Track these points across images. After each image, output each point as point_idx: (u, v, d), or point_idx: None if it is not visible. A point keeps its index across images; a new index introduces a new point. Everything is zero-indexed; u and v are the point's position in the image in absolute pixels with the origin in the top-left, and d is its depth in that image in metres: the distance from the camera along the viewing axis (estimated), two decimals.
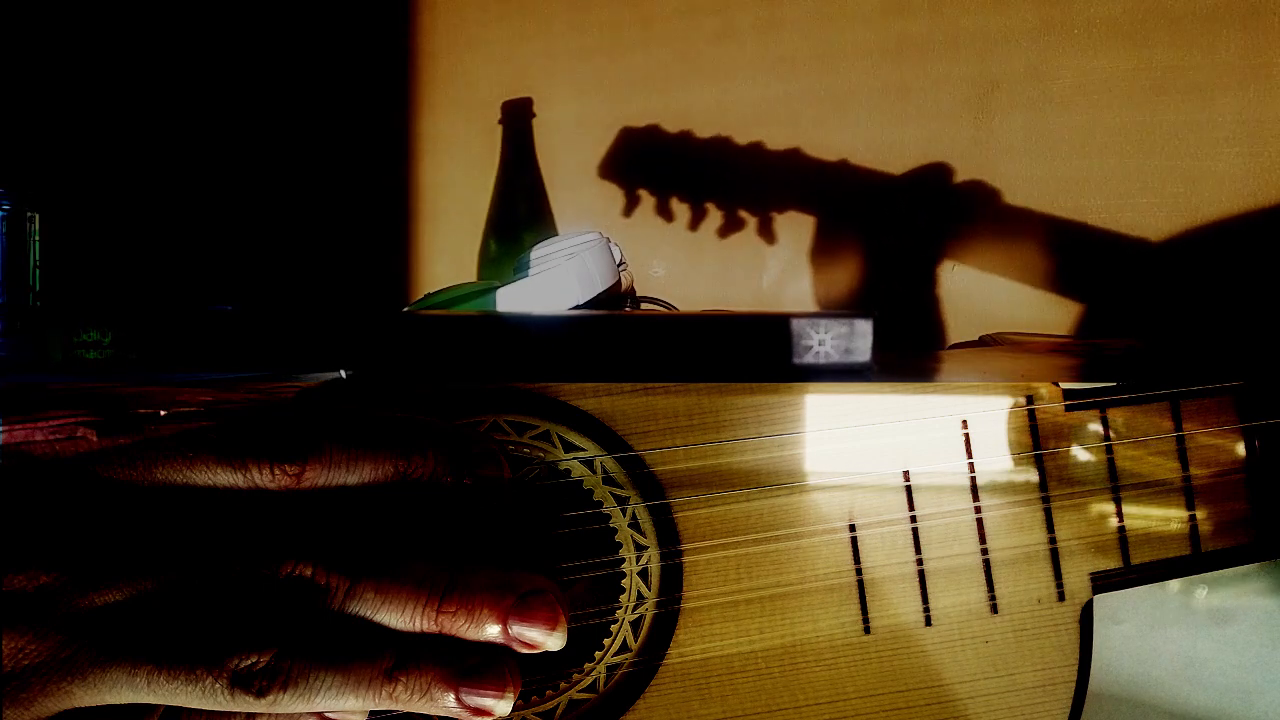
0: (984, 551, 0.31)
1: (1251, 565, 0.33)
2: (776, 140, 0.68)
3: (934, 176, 0.63)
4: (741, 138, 0.69)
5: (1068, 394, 0.31)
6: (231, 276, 0.88)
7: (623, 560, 0.31)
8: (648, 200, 0.71)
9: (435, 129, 0.83)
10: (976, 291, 0.62)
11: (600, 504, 0.31)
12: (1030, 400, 0.31)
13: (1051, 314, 0.60)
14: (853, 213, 0.66)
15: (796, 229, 0.67)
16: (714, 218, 0.69)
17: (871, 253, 0.66)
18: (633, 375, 0.31)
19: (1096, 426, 0.31)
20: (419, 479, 0.26)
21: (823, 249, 0.67)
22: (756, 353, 0.31)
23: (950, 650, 0.31)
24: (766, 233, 0.67)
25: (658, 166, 0.72)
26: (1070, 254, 0.60)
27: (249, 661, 0.23)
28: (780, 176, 0.67)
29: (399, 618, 0.24)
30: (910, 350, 0.63)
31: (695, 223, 0.69)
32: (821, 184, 0.66)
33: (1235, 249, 0.55)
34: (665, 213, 0.70)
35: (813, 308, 0.68)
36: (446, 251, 0.82)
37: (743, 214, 0.68)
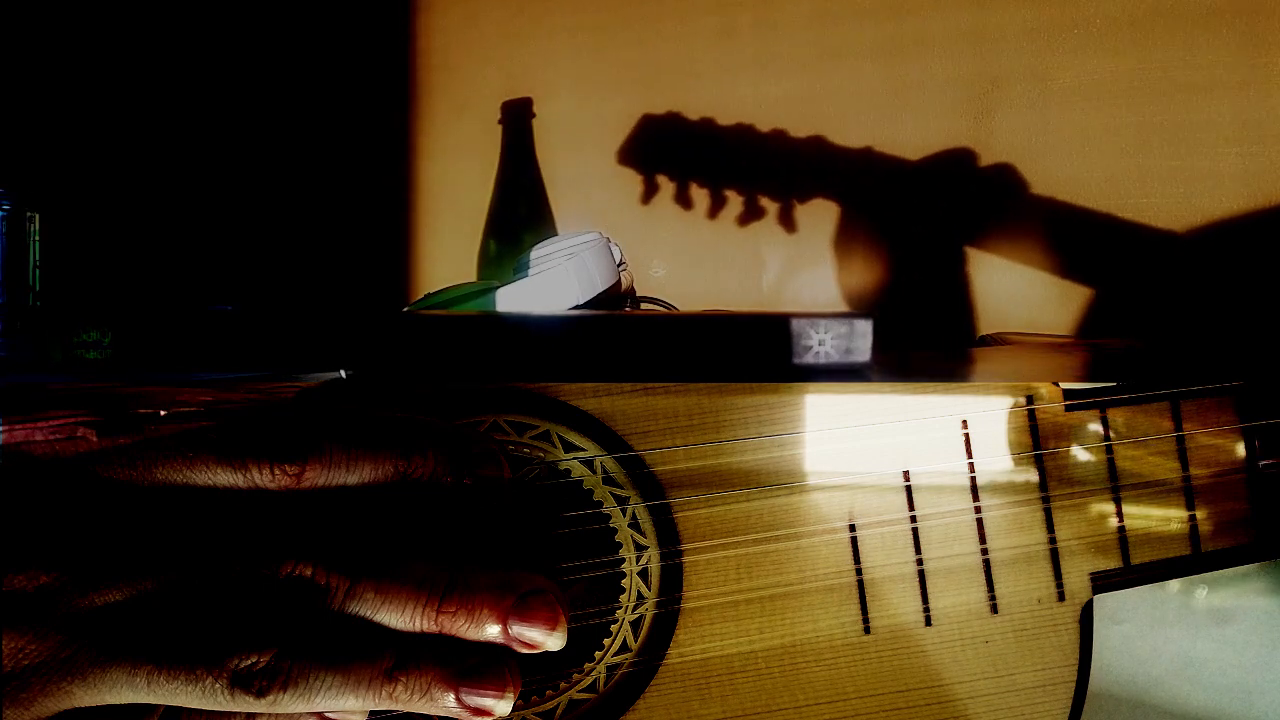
0: (984, 551, 0.31)
1: (1251, 565, 0.33)
2: (790, 134, 0.68)
3: (936, 173, 0.63)
4: (759, 127, 0.68)
5: (1068, 394, 0.31)
6: (231, 276, 0.88)
7: (623, 560, 0.31)
8: (667, 187, 0.71)
9: (435, 129, 0.83)
10: (977, 291, 0.62)
11: (600, 504, 0.31)
12: (1030, 400, 0.31)
13: (1052, 313, 0.60)
14: (855, 209, 0.66)
15: (812, 220, 0.67)
16: (734, 206, 0.68)
17: (875, 249, 0.66)
18: (633, 375, 0.31)
19: (1096, 426, 0.31)
20: (419, 479, 0.26)
21: (823, 247, 0.67)
22: (756, 353, 0.31)
23: (950, 650, 0.31)
24: (787, 221, 0.66)
25: (678, 154, 0.72)
26: (1070, 253, 0.60)
27: (249, 661, 0.23)
28: (799, 167, 0.67)
29: (399, 618, 0.24)
30: (910, 350, 0.63)
31: (715, 210, 0.69)
32: (826, 180, 0.66)
33: (1235, 249, 0.55)
34: (684, 200, 0.70)
35: (815, 304, 0.68)
36: (446, 251, 0.82)
37: (764, 202, 0.67)
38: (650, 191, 0.71)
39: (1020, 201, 0.61)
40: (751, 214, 0.67)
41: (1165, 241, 0.57)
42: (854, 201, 0.66)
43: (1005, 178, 0.61)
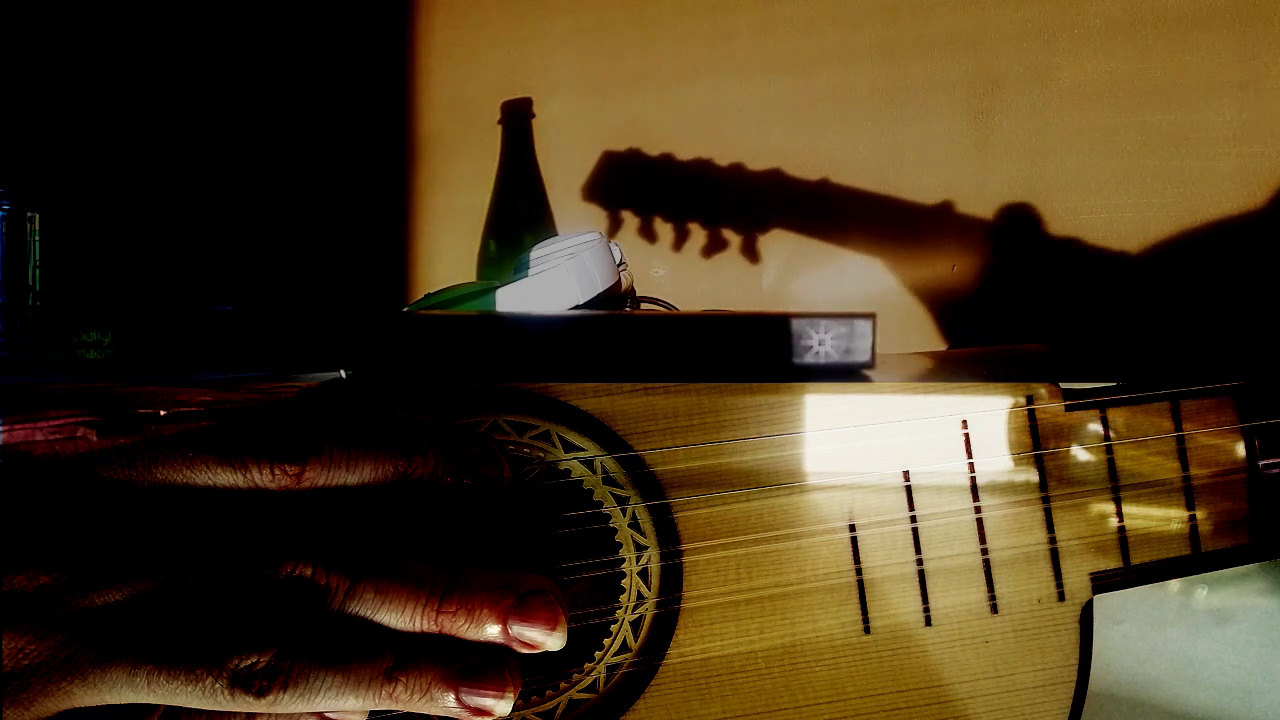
0: (984, 551, 0.31)
1: (1251, 565, 0.33)
2: (772, 141, 0.68)
3: (935, 172, 0.63)
4: (738, 140, 0.69)
5: (1068, 394, 0.31)
6: (231, 276, 0.88)
7: (623, 560, 0.31)
8: (631, 221, 0.72)
9: (435, 128, 0.83)
10: (976, 291, 0.62)
11: (600, 504, 0.31)
12: (1030, 400, 0.31)
13: (1051, 314, 0.60)
14: (855, 208, 0.66)
15: (787, 240, 0.67)
16: (698, 237, 0.69)
17: (871, 252, 0.66)
18: (633, 375, 0.31)
19: (1096, 426, 0.31)
20: (419, 479, 0.26)
21: (822, 248, 0.67)
22: (756, 353, 0.31)
23: (950, 650, 0.31)
24: (750, 252, 0.67)
25: (640, 188, 0.72)
26: (1069, 253, 0.60)
27: (249, 661, 0.23)
28: (763, 195, 0.67)
29: (399, 618, 0.24)
30: (910, 350, 0.63)
31: (679, 243, 0.70)
32: (825, 180, 0.66)
33: (1235, 249, 0.55)
34: (649, 234, 0.71)
35: (812, 307, 0.68)
36: (446, 251, 0.82)
37: (726, 234, 0.68)
38: (615, 226, 0.72)
39: (1011, 210, 0.61)
40: (715, 246, 0.68)
41: (1160, 245, 0.57)
42: (837, 208, 0.66)
43: (994, 188, 0.61)
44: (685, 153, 0.70)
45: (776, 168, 0.66)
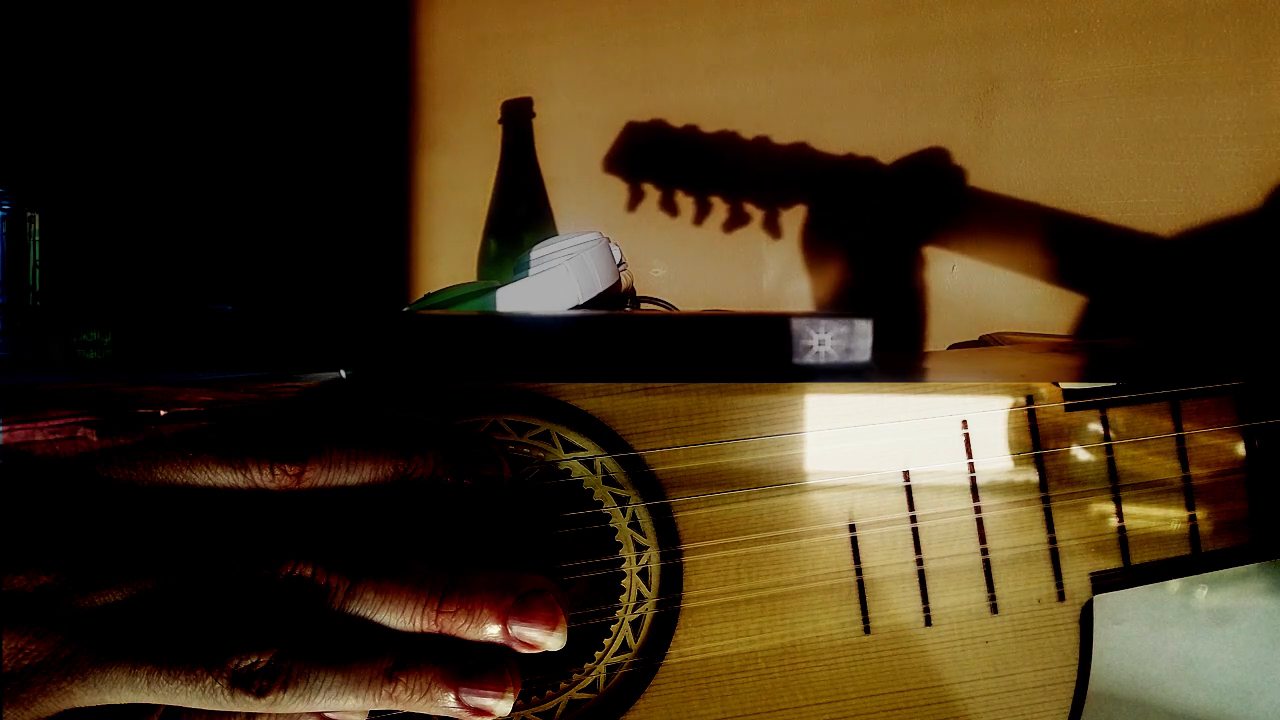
0: (984, 551, 0.31)
1: (1251, 565, 0.33)
2: (777, 138, 0.68)
3: (935, 172, 0.63)
4: (744, 134, 0.69)
5: (1068, 394, 0.31)
6: (231, 276, 0.88)
7: (623, 560, 0.31)
8: (652, 195, 0.71)
9: (435, 128, 0.82)
10: (976, 291, 0.62)
11: (600, 504, 0.31)
12: (1030, 400, 0.31)
13: (1052, 313, 0.60)
14: (855, 208, 0.66)
15: (800, 224, 0.67)
16: (719, 212, 0.69)
17: (871, 252, 0.66)
18: (633, 375, 0.31)
19: (1096, 426, 0.31)
20: (419, 479, 0.26)
21: (823, 247, 0.67)
22: (756, 353, 0.31)
23: (950, 650, 0.31)
24: (772, 227, 0.67)
25: (662, 161, 0.72)
26: (1070, 253, 0.60)
27: (249, 661, 0.23)
28: (786, 170, 0.67)
29: (399, 618, 0.24)
30: (910, 350, 0.63)
31: (700, 217, 0.69)
32: (827, 178, 0.66)
33: (1235, 248, 0.55)
34: (670, 207, 0.70)
35: (812, 307, 0.68)
36: (446, 251, 0.82)
37: (748, 208, 0.68)
38: (636, 199, 0.72)
39: (1012, 208, 0.61)
40: (737, 220, 0.68)
41: (1160, 244, 0.57)
42: (838, 207, 0.66)
43: (997, 184, 0.61)
44: (708, 126, 0.69)
45: (803, 141, 0.66)
